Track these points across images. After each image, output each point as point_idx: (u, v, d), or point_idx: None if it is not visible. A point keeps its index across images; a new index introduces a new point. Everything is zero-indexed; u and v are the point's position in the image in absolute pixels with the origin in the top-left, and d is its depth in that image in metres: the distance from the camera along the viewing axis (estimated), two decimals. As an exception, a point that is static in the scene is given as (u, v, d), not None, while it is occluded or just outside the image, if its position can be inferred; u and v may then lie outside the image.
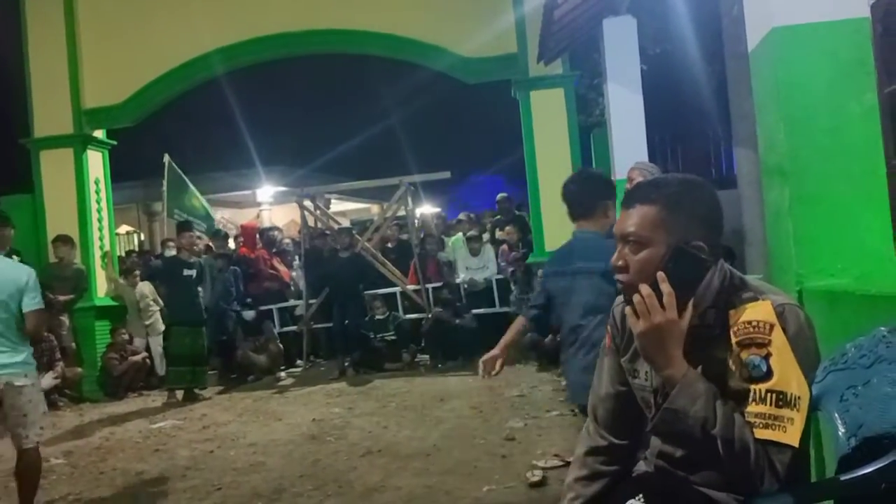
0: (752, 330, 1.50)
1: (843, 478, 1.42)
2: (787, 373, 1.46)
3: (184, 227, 8.84)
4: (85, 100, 9.31)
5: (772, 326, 1.49)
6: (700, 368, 1.55)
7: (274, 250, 10.50)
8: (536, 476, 4.28)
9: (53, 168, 9.15)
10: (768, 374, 1.46)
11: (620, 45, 6.36)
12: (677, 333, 1.51)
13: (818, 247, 2.48)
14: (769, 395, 1.45)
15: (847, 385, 1.51)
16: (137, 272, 9.55)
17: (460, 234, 10.46)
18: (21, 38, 9.29)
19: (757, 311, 1.52)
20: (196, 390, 7.96)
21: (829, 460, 2.00)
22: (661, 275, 1.52)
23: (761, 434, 1.45)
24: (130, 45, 9.24)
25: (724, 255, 1.67)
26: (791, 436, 1.44)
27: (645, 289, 1.52)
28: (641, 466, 1.83)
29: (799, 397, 1.45)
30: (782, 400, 1.45)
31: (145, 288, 9.24)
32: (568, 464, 4.42)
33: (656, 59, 9.57)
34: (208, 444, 5.91)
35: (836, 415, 1.51)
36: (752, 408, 1.47)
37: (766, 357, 1.47)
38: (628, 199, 1.65)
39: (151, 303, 9.15)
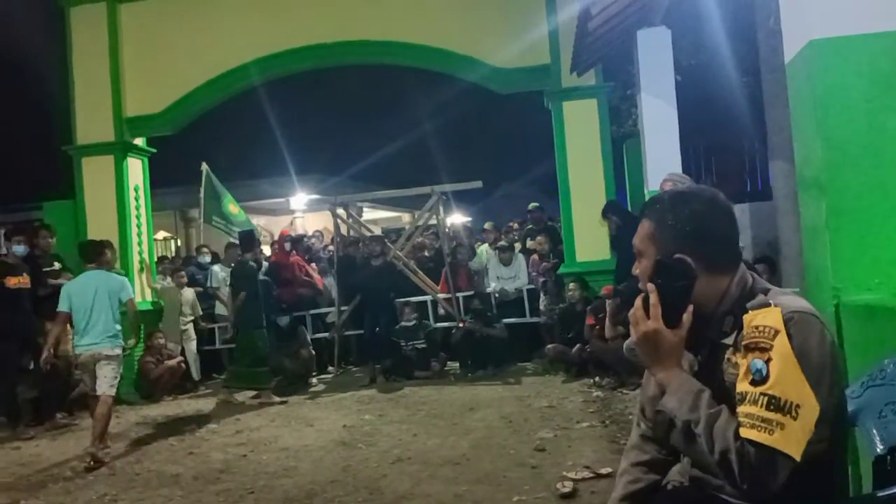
0: (757, 334, 1.51)
1: (880, 493, 1.41)
2: (785, 379, 1.45)
3: (252, 236, 9.14)
4: (126, 108, 9.56)
5: (776, 332, 1.49)
6: (717, 373, 1.61)
7: (307, 257, 10.61)
8: (567, 487, 4.26)
9: (95, 174, 9.40)
10: (766, 378, 1.47)
11: (655, 57, 6.36)
12: (666, 341, 1.59)
13: (855, 261, 2.46)
14: (762, 397, 1.45)
15: (885, 401, 1.50)
16: (184, 274, 9.67)
17: (486, 244, 10.49)
18: (65, 48, 9.57)
19: (766, 317, 1.53)
20: (262, 391, 8.02)
21: (867, 476, 1.98)
22: (650, 286, 1.61)
23: (745, 433, 1.45)
24: (171, 56, 9.48)
25: (767, 267, 1.72)
26: (780, 441, 1.41)
27: (637, 302, 1.62)
28: (675, 475, 1.84)
29: (798, 406, 1.43)
30: (774, 404, 1.43)
31: (189, 293, 9.36)
32: (598, 475, 4.43)
33: (691, 70, 9.52)
34: (241, 448, 5.99)
35: (874, 430, 1.51)
36: (743, 408, 1.48)
37: (767, 361, 1.48)
38: (640, 214, 1.78)
39: (191, 309, 9.26)
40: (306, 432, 6.40)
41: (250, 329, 8.22)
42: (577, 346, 7.79)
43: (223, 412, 7.58)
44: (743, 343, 1.54)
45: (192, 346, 9.37)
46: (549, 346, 8.16)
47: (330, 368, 9.67)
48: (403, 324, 8.90)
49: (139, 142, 9.85)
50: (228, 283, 9.01)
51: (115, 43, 9.54)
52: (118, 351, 6.02)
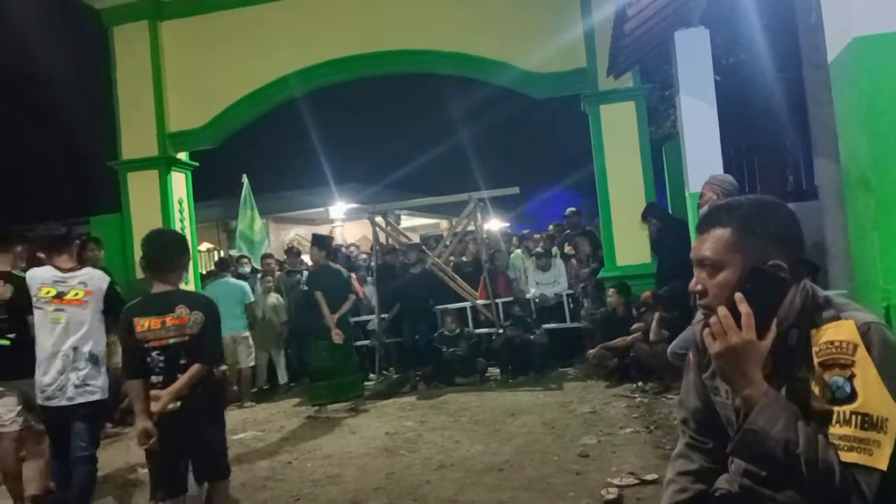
0: (834, 350, 1.48)
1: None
2: (872, 394, 1.43)
3: (329, 239, 9.24)
4: (169, 124, 9.80)
5: (855, 346, 1.46)
6: (782, 389, 1.55)
7: (346, 266, 10.70)
8: (612, 494, 4.23)
9: (140, 189, 9.65)
10: (852, 396, 1.44)
11: (693, 57, 6.26)
12: (755, 354, 1.51)
13: (906, 261, 2.41)
14: (854, 416, 1.43)
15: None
16: (270, 279, 9.68)
17: (518, 250, 10.46)
18: (110, 67, 9.84)
19: (840, 331, 1.50)
20: (353, 399, 7.82)
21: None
22: (738, 296, 1.52)
23: (847, 457, 1.42)
24: (211, 71, 9.69)
25: (807, 270, 1.66)
26: (878, 459, 1.41)
27: (721, 310, 1.52)
28: (723, 483, 1.81)
29: (886, 419, 1.42)
30: (868, 422, 1.42)
31: (273, 299, 9.42)
32: (643, 482, 4.38)
33: (730, 69, 9.39)
34: (286, 455, 6.07)
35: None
36: (835, 430, 1.45)
37: (850, 378, 1.44)
38: (702, 224, 1.67)
39: (275, 314, 9.35)
40: (349, 439, 6.45)
41: (323, 336, 7.89)
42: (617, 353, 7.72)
43: (267, 420, 7.68)
44: (818, 360, 1.50)
45: (280, 351, 9.46)
46: (591, 350, 8.10)
47: (371, 376, 9.72)
48: (444, 331, 8.92)
49: (182, 156, 10.08)
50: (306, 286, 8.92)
51: (156, 60, 9.79)
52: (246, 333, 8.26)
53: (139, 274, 9.03)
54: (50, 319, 4.17)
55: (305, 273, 10.19)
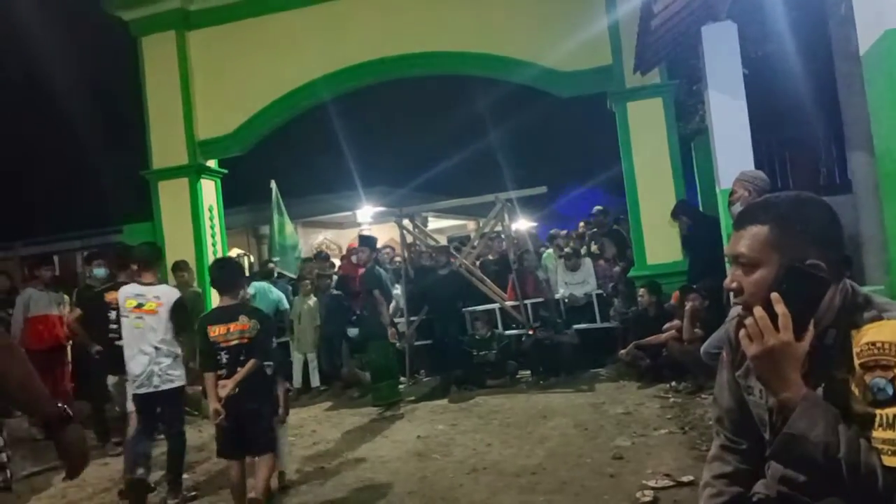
0: (876, 351, 1.44)
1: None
2: None
3: (373, 240, 9.46)
4: (198, 132, 9.93)
5: None
6: (820, 390, 1.51)
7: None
8: (648, 496, 4.18)
9: (171, 197, 9.79)
10: (895, 398, 1.40)
11: (721, 52, 6.18)
12: (793, 356, 1.47)
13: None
14: None
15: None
16: (308, 283, 9.72)
17: (550, 250, 10.40)
18: (140, 79, 10.00)
19: (882, 332, 1.46)
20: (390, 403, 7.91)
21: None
22: (775, 296, 1.48)
23: (890, 461, 1.38)
24: (239, 78, 9.80)
25: (846, 267, 1.61)
26: None
27: (758, 310, 1.49)
28: (761, 489, 1.78)
29: None
30: None
31: (311, 302, 9.48)
32: (679, 484, 4.33)
33: (758, 61, 9.23)
34: (319, 459, 6.10)
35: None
36: (878, 433, 1.41)
37: (893, 380, 1.41)
38: (739, 221, 1.64)
39: (310, 317, 9.40)
40: (381, 443, 6.46)
41: (381, 338, 8.15)
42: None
43: (299, 424, 7.73)
44: (859, 361, 1.46)
45: (314, 353, 9.55)
46: (623, 350, 8.02)
47: (402, 378, 9.73)
48: (474, 334, 8.90)
49: (211, 163, 10.20)
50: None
51: (184, 69, 9.93)
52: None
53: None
54: (133, 325, 5.09)
55: (335, 277, 10.27)
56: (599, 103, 9.24)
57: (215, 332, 4.45)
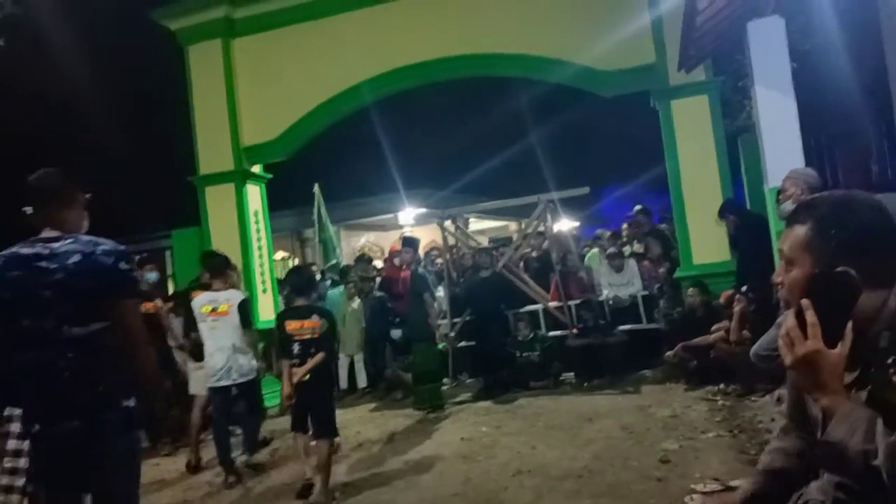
0: None
1: None
2: None
3: (415, 242, 9.60)
4: (243, 138, 10.10)
5: None
6: (863, 395, 1.48)
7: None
8: (696, 501, 4.11)
9: (217, 202, 9.97)
10: None
11: (768, 48, 6.04)
12: (826, 363, 1.46)
13: None
14: None
15: None
16: (353, 285, 9.80)
17: (595, 249, 10.28)
18: (186, 87, 10.22)
19: None
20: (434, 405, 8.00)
21: None
22: (805, 302, 1.48)
23: None
24: (282, 84, 9.94)
25: None
26: None
27: (790, 320, 1.49)
28: (815, 494, 1.74)
29: None
30: None
31: (357, 304, 9.57)
32: (728, 488, 4.24)
33: (806, 55, 9.00)
34: (363, 460, 6.15)
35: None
36: None
37: None
38: (790, 216, 1.66)
39: (356, 318, 9.49)
40: (425, 445, 6.48)
41: (427, 340, 8.28)
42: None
43: (344, 425, 7.78)
44: None
45: (360, 355, 9.63)
46: (669, 352, 7.89)
47: (445, 380, 9.74)
48: (517, 336, 8.87)
49: (256, 169, 10.36)
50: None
51: (230, 76, 10.11)
52: None
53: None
54: (210, 328, 5.82)
55: (378, 280, 10.34)
56: (642, 101, 9.12)
57: (291, 326, 5.24)
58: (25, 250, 2.67)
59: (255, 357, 6.11)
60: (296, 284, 5.73)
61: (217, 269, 6.04)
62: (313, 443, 5.27)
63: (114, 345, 2.68)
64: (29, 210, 2.77)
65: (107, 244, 2.73)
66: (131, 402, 2.71)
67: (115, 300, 2.68)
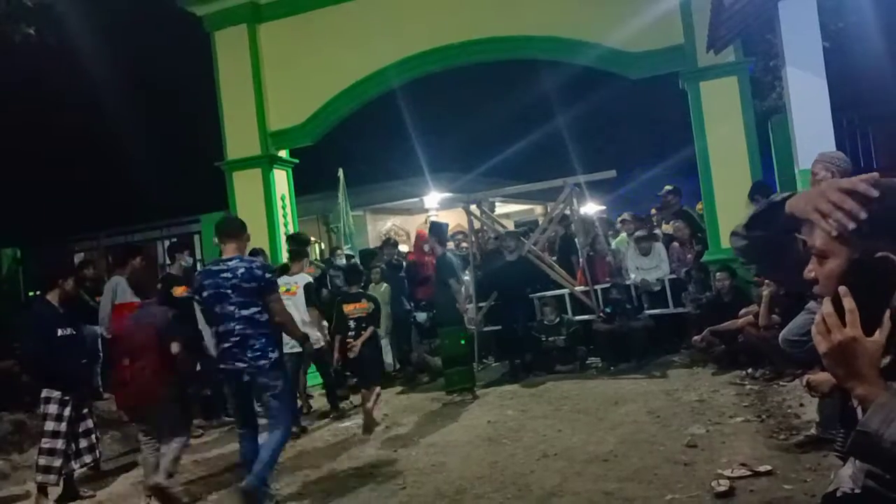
0: None
1: None
2: None
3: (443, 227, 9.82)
4: (270, 123, 10.16)
5: None
6: None
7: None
8: (723, 486, 4.10)
9: (245, 187, 10.06)
10: None
11: (799, 27, 5.93)
12: (863, 351, 1.42)
13: None
14: None
15: None
16: (378, 269, 9.66)
17: (624, 233, 10.21)
18: (214, 74, 10.29)
19: None
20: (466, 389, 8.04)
21: None
22: (842, 289, 1.43)
23: None
24: (308, 69, 9.97)
25: None
26: None
27: (826, 307, 1.44)
28: (846, 481, 1.73)
29: None
30: None
31: (382, 287, 9.44)
32: (756, 473, 4.23)
33: (839, 34, 8.82)
34: (391, 443, 6.22)
35: None
36: None
37: None
38: None
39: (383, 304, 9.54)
40: (451, 428, 6.53)
41: (456, 324, 8.39)
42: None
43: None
44: None
45: (387, 339, 9.64)
46: (697, 336, 7.83)
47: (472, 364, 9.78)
48: (543, 320, 8.85)
49: (283, 154, 10.42)
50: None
51: (256, 61, 10.16)
52: None
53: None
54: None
55: (404, 264, 10.37)
56: (670, 83, 9.00)
57: (348, 307, 6.82)
58: (215, 267, 4.77)
59: (319, 329, 7.31)
60: (351, 275, 7.43)
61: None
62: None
63: (264, 320, 4.70)
64: (216, 240, 5.05)
65: (257, 261, 4.94)
66: (276, 354, 4.74)
67: (265, 294, 4.72)
